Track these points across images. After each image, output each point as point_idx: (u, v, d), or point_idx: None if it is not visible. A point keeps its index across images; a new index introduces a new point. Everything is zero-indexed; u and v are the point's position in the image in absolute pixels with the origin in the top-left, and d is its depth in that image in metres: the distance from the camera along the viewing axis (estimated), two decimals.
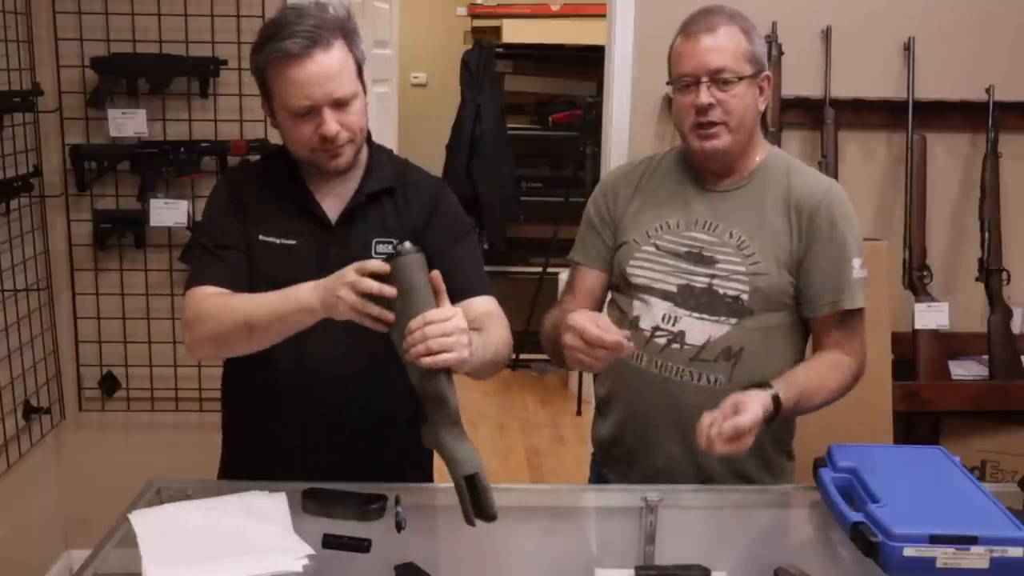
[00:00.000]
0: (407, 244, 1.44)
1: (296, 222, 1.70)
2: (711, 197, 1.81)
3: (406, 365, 1.44)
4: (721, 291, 1.75)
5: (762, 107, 1.79)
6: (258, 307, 1.57)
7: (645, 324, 1.79)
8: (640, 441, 1.82)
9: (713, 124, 1.73)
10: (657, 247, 1.80)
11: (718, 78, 1.71)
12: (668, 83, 1.79)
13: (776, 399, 1.61)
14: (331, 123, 1.60)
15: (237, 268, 1.67)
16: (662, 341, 1.77)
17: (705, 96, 1.72)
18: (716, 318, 1.75)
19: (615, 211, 1.87)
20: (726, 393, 1.73)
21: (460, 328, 1.42)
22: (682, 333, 1.76)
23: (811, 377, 1.72)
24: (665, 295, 1.78)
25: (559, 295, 4.57)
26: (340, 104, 1.61)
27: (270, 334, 1.57)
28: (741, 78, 1.72)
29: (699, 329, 1.75)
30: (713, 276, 1.76)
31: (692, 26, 1.76)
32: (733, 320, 1.74)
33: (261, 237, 1.70)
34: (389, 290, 1.42)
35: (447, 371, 1.43)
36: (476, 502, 1.38)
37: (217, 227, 1.72)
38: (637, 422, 1.82)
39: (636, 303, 1.81)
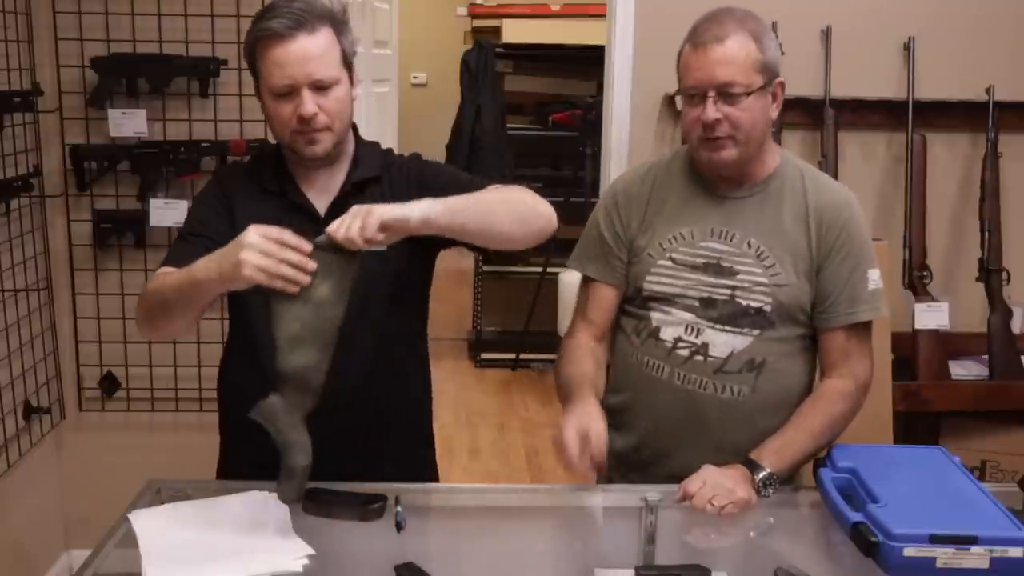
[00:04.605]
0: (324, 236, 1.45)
1: (285, 216, 1.70)
2: (724, 204, 1.77)
3: (284, 344, 1.45)
4: (744, 303, 1.73)
5: (774, 114, 1.74)
6: (168, 283, 1.58)
7: (666, 335, 1.77)
8: (657, 452, 1.81)
9: (720, 137, 1.69)
10: (674, 260, 1.77)
11: (726, 92, 1.66)
12: (675, 94, 1.75)
13: (770, 475, 1.63)
14: (309, 103, 1.61)
15: (201, 255, 1.65)
16: (685, 353, 1.75)
17: (712, 111, 1.66)
18: (739, 330, 1.73)
19: (629, 226, 1.82)
20: (749, 405, 1.74)
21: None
22: (706, 345, 1.74)
23: (802, 438, 1.71)
24: (686, 307, 1.75)
25: (559, 298, 4.54)
26: (320, 87, 1.62)
27: (181, 311, 1.58)
28: (750, 92, 1.66)
29: (722, 341, 1.73)
30: (735, 288, 1.73)
31: (701, 35, 1.69)
32: (756, 332, 1.73)
33: None
34: (306, 245, 1.42)
35: (329, 366, 1.47)
36: (298, 486, 1.51)
37: (196, 218, 1.74)
38: (656, 434, 1.81)
39: (655, 314, 1.78)
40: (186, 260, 1.63)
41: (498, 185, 1.68)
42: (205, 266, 1.49)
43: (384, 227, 1.43)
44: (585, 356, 1.82)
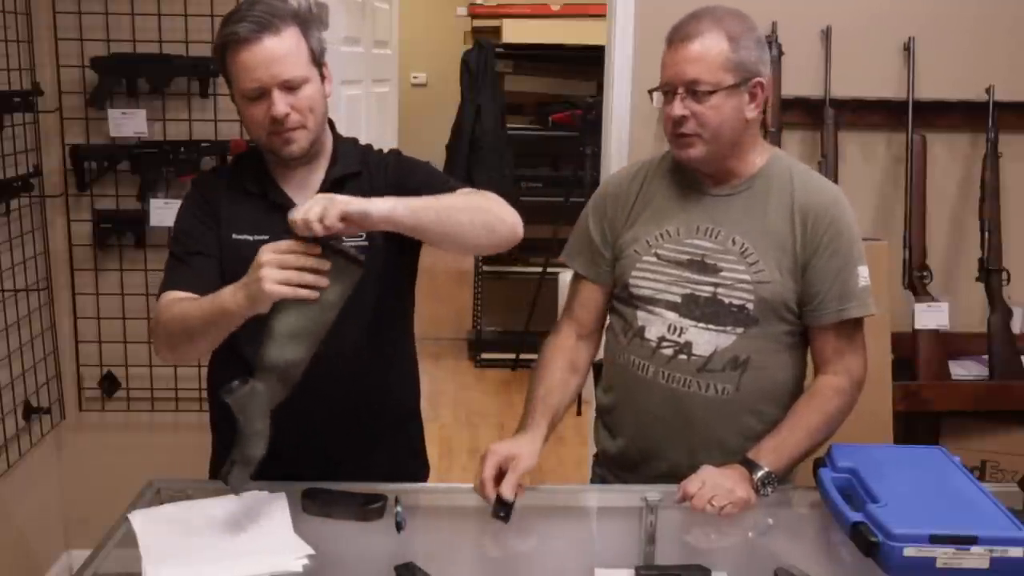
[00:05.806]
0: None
1: (267, 217, 1.71)
2: (711, 202, 1.78)
3: (280, 336, 1.45)
4: (726, 300, 1.73)
5: (751, 115, 1.73)
6: (193, 313, 1.58)
7: (651, 334, 1.78)
8: (646, 451, 1.82)
9: (687, 135, 1.71)
10: (659, 256, 1.78)
11: (693, 89, 1.68)
12: (652, 91, 1.77)
13: (768, 473, 1.63)
14: (280, 104, 1.62)
15: (204, 273, 1.68)
16: (669, 352, 1.76)
17: (678, 108, 1.70)
18: (722, 328, 1.73)
19: (616, 225, 1.85)
20: (734, 403, 1.74)
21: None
22: (689, 344, 1.75)
23: (798, 436, 1.71)
24: (669, 305, 1.76)
25: (559, 298, 4.55)
26: (290, 87, 1.63)
27: (207, 338, 1.59)
28: (716, 90, 1.68)
29: (705, 339, 1.74)
30: (717, 285, 1.74)
31: (675, 33, 1.72)
32: (739, 330, 1.73)
33: (234, 236, 1.71)
34: (314, 248, 1.41)
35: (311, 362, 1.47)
36: (249, 476, 1.50)
37: (185, 233, 1.74)
38: (644, 433, 1.81)
39: (640, 313, 1.79)
40: (190, 282, 1.66)
41: (470, 190, 1.70)
42: (233, 295, 1.49)
43: (344, 217, 1.42)
44: (555, 362, 1.84)
